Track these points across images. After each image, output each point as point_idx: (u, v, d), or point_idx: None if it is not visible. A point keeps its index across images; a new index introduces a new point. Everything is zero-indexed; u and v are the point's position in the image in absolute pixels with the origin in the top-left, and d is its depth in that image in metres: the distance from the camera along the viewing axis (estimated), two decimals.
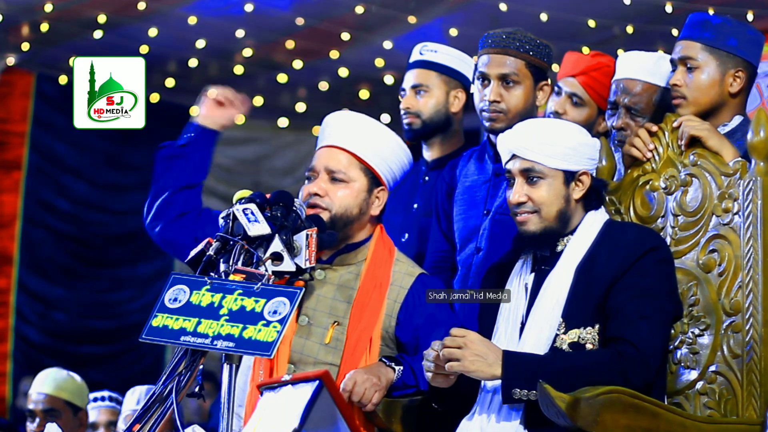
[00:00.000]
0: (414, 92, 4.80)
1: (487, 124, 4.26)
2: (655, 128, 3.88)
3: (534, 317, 3.60)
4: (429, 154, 4.86)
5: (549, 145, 3.61)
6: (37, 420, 5.79)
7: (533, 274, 3.69)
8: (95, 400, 6.30)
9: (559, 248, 3.65)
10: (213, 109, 4.16)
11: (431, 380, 3.55)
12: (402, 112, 4.83)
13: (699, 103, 3.91)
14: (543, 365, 3.44)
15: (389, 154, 3.91)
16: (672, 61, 4.00)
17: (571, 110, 4.57)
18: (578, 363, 3.46)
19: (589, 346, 3.51)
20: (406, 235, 4.76)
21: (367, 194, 3.89)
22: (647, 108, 4.40)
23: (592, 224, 3.66)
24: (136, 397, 5.95)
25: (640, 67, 4.40)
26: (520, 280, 3.71)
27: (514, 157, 3.66)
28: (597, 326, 3.52)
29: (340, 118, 3.95)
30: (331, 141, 3.90)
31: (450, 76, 4.77)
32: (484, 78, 4.25)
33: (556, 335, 3.53)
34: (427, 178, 4.81)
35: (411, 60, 4.88)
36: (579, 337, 3.52)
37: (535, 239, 3.64)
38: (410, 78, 4.84)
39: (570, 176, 3.64)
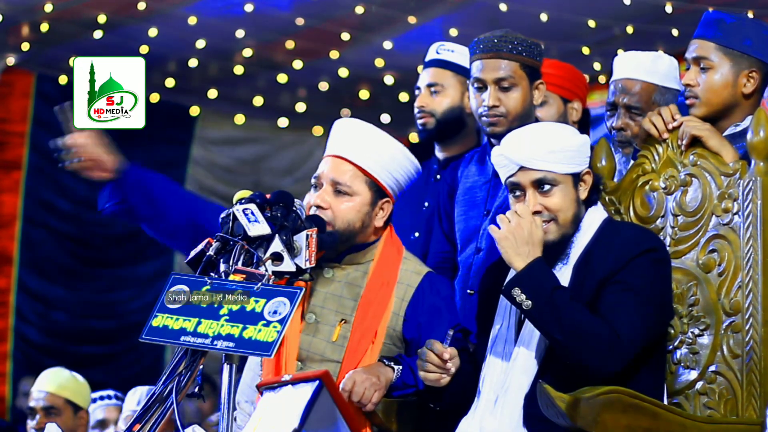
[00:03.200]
0: (429, 91, 4.81)
1: (487, 129, 4.25)
2: (678, 115, 3.85)
3: None
4: (442, 153, 4.86)
5: (557, 152, 3.59)
6: (37, 417, 5.80)
7: None
8: (101, 398, 6.33)
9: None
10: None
11: (425, 379, 3.56)
12: (416, 110, 4.84)
13: (711, 103, 3.84)
14: (555, 292, 3.45)
15: (395, 166, 3.89)
16: (685, 58, 3.93)
17: (539, 111, 4.55)
18: (578, 313, 3.45)
19: None
20: (416, 234, 4.77)
21: (370, 207, 3.88)
22: (647, 107, 4.39)
23: (591, 222, 3.66)
24: (136, 397, 5.95)
25: (638, 67, 4.39)
26: None
27: (522, 169, 3.63)
28: None
29: (348, 128, 3.93)
30: (337, 151, 3.89)
31: (466, 76, 4.77)
32: (480, 83, 4.24)
33: None
34: (438, 176, 4.82)
35: (427, 59, 4.89)
36: None
37: (553, 247, 3.61)
38: (425, 77, 4.84)
39: (576, 178, 3.64)
